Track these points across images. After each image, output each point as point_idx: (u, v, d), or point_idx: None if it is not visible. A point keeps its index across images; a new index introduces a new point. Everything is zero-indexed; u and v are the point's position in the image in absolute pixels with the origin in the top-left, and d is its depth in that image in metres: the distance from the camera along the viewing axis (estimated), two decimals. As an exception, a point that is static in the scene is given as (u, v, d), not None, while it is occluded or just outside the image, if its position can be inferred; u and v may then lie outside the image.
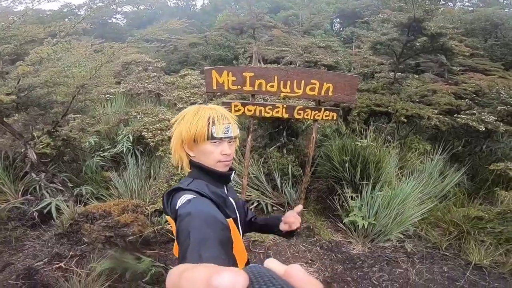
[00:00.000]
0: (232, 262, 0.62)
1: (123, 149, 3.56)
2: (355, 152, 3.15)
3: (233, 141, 0.97)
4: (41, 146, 2.99)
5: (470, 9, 12.58)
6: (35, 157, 2.83)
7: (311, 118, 2.99)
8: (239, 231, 1.01)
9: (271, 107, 2.88)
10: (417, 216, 2.72)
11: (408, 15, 4.09)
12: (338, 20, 16.13)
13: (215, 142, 0.92)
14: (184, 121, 0.94)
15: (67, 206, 2.81)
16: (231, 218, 0.94)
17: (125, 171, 3.34)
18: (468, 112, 3.62)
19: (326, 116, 3.00)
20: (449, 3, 15.83)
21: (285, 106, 2.92)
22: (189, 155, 0.98)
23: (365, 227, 2.66)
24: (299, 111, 2.94)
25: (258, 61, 6.08)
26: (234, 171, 1.04)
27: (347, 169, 3.08)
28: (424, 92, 4.49)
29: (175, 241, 0.75)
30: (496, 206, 2.83)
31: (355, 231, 2.84)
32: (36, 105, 2.83)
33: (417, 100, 4.13)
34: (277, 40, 7.57)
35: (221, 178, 0.99)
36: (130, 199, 3.02)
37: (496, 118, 3.30)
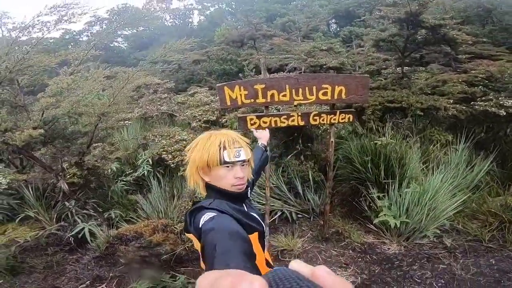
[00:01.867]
0: (256, 273, 0.63)
1: (144, 172, 3.64)
2: (376, 151, 3.13)
3: (246, 164, 1.01)
4: (68, 176, 3.09)
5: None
6: (67, 187, 2.92)
7: (328, 122, 2.99)
8: (263, 244, 1.05)
9: (286, 116, 2.89)
10: (451, 209, 2.67)
11: (404, 9, 4.10)
12: (334, 21, 16.25)
13: (227, 167, 0.97)
14: (197, 148, 0.99)
15: (101, 230, 2.90)
16: (256, 232, 0.99)
17: (149, 193, 3.41)
18: (484, 98, 3.57)
19: (342, 119, 2.99)
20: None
21: (299, 114, 2.92)
22: (204, 179, 1.02)
23: (398, 226, 2.62)
24: (314, 117, 2.94)
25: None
26: (249, 188, 1.10)
27: (370, 169, 3.06)
28: (434, 83, 4.45)
29: (201, 256, 0.79)
30: (534, 191, 2.75)
31: (387, 231, 2.80)
32: (61, 137, 2.93)
33: (429, 92, 4.10)
34: (278, 48, 7.67)
35: (237, 198, 1.03)
36: (159, 219, 3.08)
37: (515, 101, 3.25)
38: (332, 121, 2.99)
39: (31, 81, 3.39)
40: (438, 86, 4.44)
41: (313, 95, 2.84)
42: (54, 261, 2.85)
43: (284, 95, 2.79)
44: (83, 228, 2.95)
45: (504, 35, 8.11)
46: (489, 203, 2.80)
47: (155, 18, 26.42)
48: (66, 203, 3.08)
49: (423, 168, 3.00)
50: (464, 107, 3.50)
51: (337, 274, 0.29)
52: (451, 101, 3.63)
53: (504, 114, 3.11)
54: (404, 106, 3.64)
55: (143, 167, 3.65)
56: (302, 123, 2.96)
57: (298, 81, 2.80)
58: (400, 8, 4.32)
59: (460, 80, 4.39)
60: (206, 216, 0.84)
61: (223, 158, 0.95)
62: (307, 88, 2.79)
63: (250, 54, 7.73)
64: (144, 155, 3.76)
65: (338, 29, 15.94)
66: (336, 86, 2.85)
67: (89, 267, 2.78)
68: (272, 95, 2.76)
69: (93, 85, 3.47)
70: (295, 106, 3.65)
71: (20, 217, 3.09)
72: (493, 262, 2.48)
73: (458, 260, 2.53)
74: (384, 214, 2.64)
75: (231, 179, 0.98)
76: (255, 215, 1.06)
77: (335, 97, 2.86)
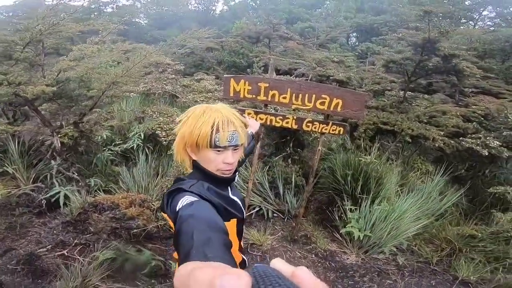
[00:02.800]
0: (233, 263, 0.63)
1: (133, 145, 3.73)
2: (358, 167, 3.24)
3: (238, 148, 0.94)
4: (59, 136, 3.19)
5: (491, 29, 12.49)
6: (59, 145, 3.03)
7: (319, 131, 3.09)
8: (241, 230, 1.04)
9: (281, 117, 3.00)
10: (412, 231, 2.79)
11: (423, 35, 4.17)
12: (354, 34, 16.28)
13: (218, 151, 0.90)
14: (188, 123, 0.91)
15: (80, 194, 2.96)
16: (235, 219, 0.96)
17: (134, 167, 3.49)
18: (474, 135, 3.66)
19: (333, 130, 3.09)
20: (470, 22, 15.79)
21: (295, 117, 3.03)
22: (191, 157, 0.97)
23: (361, 239, 2.74)
24: (307, 123, 3.04)
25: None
26: (237, 172, 1.04)
27: (349, 182, 3.17)
28: (433, 112, 4.53)
29: (174, 243, 0.75)
30: (490, 227, 2.87)
31: (350, 242, 2.92)
32: (68, 97, 3.06)
33: (425, 120, 4.18)
34: (291, 52, 7.74)
35: (223, 182, 0.99)
36: (138, 193, 3.18)
37: (500, 143, 3.33)
38: (324, 130, 3.09)
39: (55, 44, 3.57)
40: (436, 116, 4.52)
41: (311, 103, 2.94)
42: (19, 222, 2.73)
43: (284, 98, 2.89)
44: (58, 192, 2.92)
45: (521, 73, 8.02)
46: (448, 230, 2.93)
47: (180, 0, 26.55)
48: (52, 161, 3.14)
49: (398, 190, 3.11)
50: (452, 142, 3.59)
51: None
52: (442, 133, 3.72)
53: (487, 154, 3.19)
54: (396, 130, 3.74)
55: (134, 139, 3.76)
56: (295, 127, 3.06)
57: (300, 87, 2.90)
58: (421, 33, 4.39)
59: (458, 114, 4.46)
60: (184, 200, 0.79)
61: (215, 141, 0.87)
62: (307, 95, 2.89)
63: (263, 52, 7.82)
64: (138, 128, 3.86)
65: (356, 43, 15.97)
66: (334, 98, 2.95)
67: (55, 231, 2.69)
68: (273, 95, 2.87)
69: (111, 56, 3.60)
70: (292, 110, 3.76)
71: (-3, 172, 2.99)
72: (433, 284, 2.63)
73: (405, 278, 2.67)
74: (352, 226, 2.76)
75: (220, 163, 0.92)
76: (237, 200, 1.03)
77: (331, 108, 2.96)
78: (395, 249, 2.86)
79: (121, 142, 3.93)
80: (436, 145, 3.46)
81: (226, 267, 0.30)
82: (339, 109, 2.98)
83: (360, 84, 6.20)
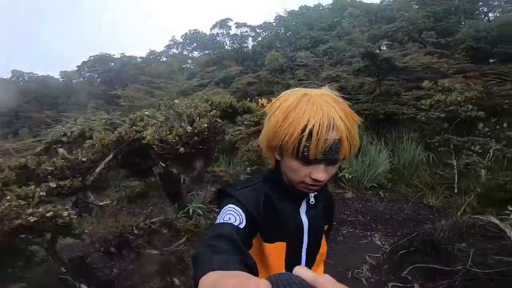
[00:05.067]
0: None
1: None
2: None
3: (336, 164, 0.68)
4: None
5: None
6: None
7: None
8: (295, 258, 0.79)
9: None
10: (383, 170, 4.69)
11: None
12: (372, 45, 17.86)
13: (306, 163, 0.65)
14: (275, 115, 0.67)
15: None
16: (282, 242, 0.75)
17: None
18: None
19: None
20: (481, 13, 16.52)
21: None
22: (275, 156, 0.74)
23: (350, 179, 4.73)
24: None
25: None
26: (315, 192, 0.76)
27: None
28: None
29: None
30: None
31: (349, 183, 4.90)
32: None
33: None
34: (313, 73, 10.03)
35: (293, 196, 0.76)
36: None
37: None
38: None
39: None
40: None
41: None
42: None
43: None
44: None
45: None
46: (421, 173, 4.72)
47: (218, 43, 31.15)
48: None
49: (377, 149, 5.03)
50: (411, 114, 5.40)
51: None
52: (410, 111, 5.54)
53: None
54: (372, 112, 5.66)
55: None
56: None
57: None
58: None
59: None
60: (224, 214, 0.67)
61: (303, 151, 0.62)
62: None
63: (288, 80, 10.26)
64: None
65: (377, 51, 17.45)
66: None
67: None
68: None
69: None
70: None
71: None
72: (405, 207, 4.14)
73: (383, 204, 4.30)
74: (344, 173, 4.79)
75: (305, 177, 0.67)
76: (303, 221, 0.77)
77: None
78: (375, 185, 4.69)
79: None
80: (404, 117, 5.31)
81: (248, 277, 0.30)
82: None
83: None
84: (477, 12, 16.11)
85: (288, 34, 24.89)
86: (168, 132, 1.60)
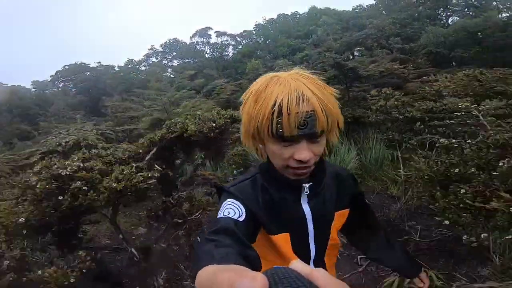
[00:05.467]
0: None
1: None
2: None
3: (318, 138, 0.63)
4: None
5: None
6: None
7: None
8: (302, 247, 0.76)
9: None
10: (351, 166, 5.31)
11: None
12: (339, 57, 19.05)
13: (285, 142, 0.62)
14: (249, 101, 0.66)
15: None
16: (285, 233, 0.73)
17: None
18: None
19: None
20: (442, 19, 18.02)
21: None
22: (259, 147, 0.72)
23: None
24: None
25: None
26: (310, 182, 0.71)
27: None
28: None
29: None
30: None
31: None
32: None
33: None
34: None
35: (288, 186, 0.72)
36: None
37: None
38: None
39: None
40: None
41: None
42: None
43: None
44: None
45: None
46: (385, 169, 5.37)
47: (198, 51, 31.48)
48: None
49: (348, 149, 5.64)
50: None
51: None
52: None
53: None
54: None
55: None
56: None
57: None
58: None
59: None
60: (224, 209, 0.67)
61: (277, 130, 0.59)
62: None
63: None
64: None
65: (351, 58, 18.61)
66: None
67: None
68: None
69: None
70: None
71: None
72: (372, 197, 4.61)
73: None
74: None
75: (289, 160, 0.64)
76: (304, 210, 0.73)
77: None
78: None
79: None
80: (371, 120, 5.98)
81: (245, 270, 0.30)
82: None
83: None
84: (438, 17, 17.46)
85: (267, 42, 25.75)
86: (203, 126, 2.64)
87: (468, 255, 2.51)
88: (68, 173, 1.78)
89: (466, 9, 17.89)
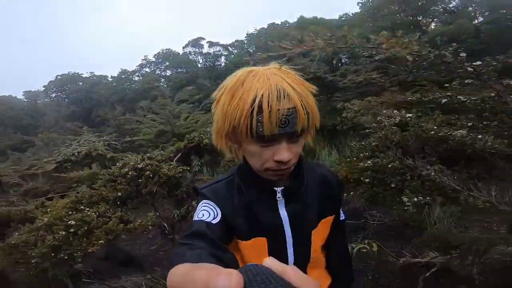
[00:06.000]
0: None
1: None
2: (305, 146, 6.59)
3: (297, 138, 0.61)
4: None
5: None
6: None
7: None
8: (275, 255, 0.58)
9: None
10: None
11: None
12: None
13: (264, 143, 0.59)
14: (223, 98, 0.62)
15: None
16: (258, 238, 0.69)
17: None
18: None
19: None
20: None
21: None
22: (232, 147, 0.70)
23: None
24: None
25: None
26: (285, 186, 0.69)
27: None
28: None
29: None
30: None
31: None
32: None
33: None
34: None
35: (263, 191, 0.69)
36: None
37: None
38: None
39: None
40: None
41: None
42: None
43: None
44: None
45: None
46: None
47: (191, 61, 31.89)
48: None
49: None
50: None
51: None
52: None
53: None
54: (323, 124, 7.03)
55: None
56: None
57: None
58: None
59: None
60: (199, 212, 0.66)
61: (257, 128, 0.56)
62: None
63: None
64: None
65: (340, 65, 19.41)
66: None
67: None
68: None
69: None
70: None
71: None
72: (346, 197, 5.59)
73: None
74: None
75: (268, 161, 0.61)
76: (282, 216, 0.69)
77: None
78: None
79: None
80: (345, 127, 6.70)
81: (219, 268, 0.30)
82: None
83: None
84: (419, 23, 18.05)
85: (259, 52, 26.40)
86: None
87: (413, 236, 3.17)
88: (141, 166, 3.02)
89: (445, 15, 18.35)
